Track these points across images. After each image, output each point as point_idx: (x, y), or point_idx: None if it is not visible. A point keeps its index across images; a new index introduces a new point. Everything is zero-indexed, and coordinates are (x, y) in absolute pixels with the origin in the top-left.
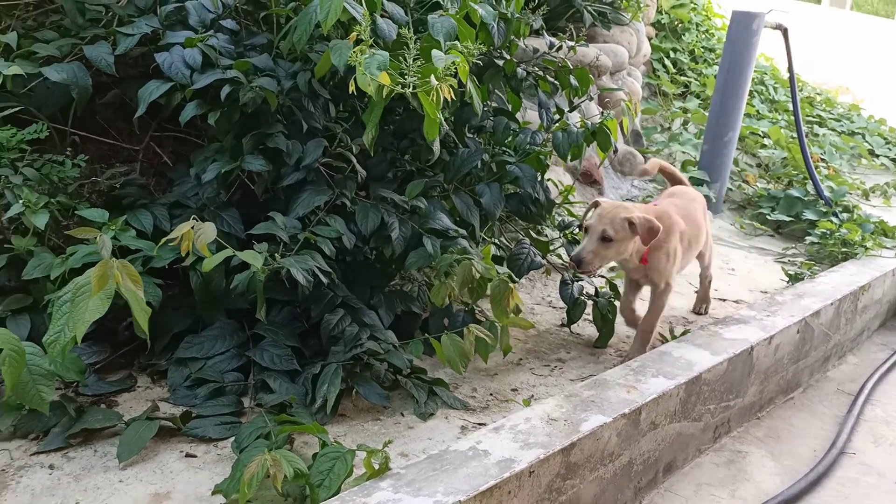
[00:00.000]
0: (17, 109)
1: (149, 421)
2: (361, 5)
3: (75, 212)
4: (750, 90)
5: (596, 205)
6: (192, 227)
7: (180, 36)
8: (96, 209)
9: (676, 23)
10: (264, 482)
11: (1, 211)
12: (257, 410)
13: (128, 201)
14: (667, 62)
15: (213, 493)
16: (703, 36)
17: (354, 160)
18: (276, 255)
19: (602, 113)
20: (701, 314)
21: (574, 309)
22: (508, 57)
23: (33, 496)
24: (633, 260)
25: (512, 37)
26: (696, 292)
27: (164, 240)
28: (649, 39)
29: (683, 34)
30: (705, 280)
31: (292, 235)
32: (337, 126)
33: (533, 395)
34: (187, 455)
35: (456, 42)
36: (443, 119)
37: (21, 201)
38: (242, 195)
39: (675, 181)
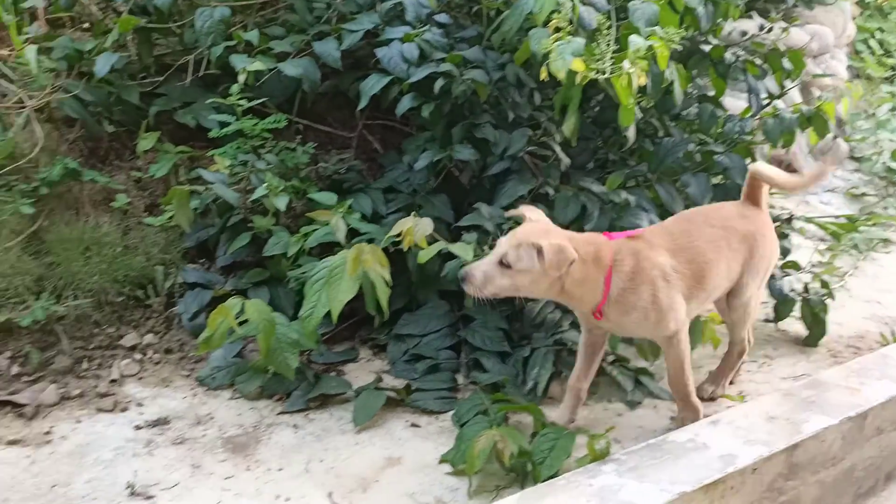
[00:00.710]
0: (259, 102)
1: (377, 391)
2: None
3: (306, 195)
4: None
5: (522, 218)
6: (413, 224)
7: (399, 31)
8: (326, 193)
9: (882, 0)
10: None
11: (244, 193)
12: (471, 388)
13: (347, 185)
14: (872, 43)
15: (440, 462)
16: None
17: (558, 149)
18: (485, 245)
19: (817, 98)
20: (704, 399)
21: (783, 305)
22: (715, 41)
23: (283, 451)
24: (575, 307)
25: (718, 19)
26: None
27: (387, 236)
28: (853, 19)
29: (891, 13)
30: (733, 347)
31: (498, 224)
32: (541, 115)
33: (742, 391)
34: (412, 425)
35: (656, 28)
36: (644, 107)
37: (265, 185)
38: (446, 180)
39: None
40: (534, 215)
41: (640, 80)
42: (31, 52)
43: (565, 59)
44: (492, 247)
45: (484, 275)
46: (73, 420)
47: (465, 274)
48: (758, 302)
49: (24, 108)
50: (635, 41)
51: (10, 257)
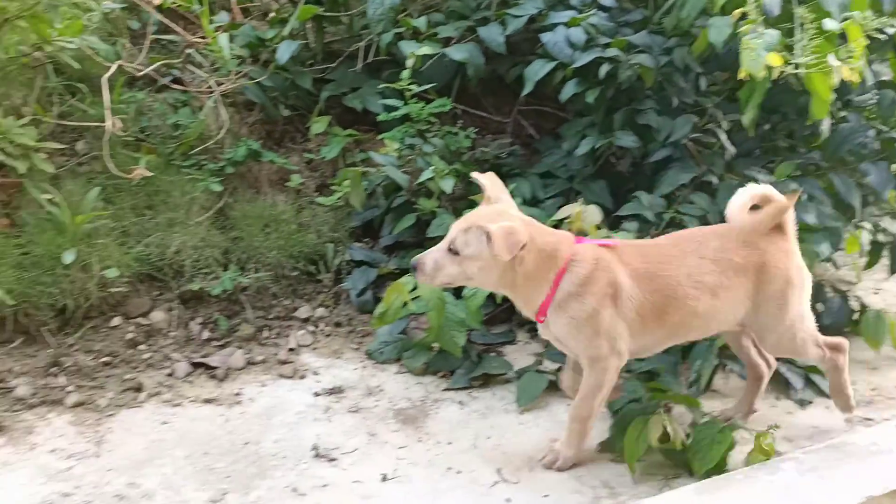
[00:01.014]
0: (427, 87)
1: (538, 374)
2: None
3: (467, 178)
4: None
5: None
6: (581, 210)
7: (564, 16)
8: None
9: None
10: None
11: (410, 175)
12: (624, 375)
13: (506, 170)
14: None
15: (601, 451)
16: None
17: (724, 136)
18: (646, 236)
19: None
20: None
21: None
22: None
23: (450, 426)
24: (521, 305)
25: None
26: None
27: (551, 219)
28: None
29: None
30: (823, 366)
31: (657, 213)
32: (707, 101)
33: None
34: None
35: (854, 14)
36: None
37: (432, 167)
38: (604, 166)
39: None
40: (488, 182)
41: (853, 76)
42: (223, 40)
43: (759, 55)
44: (652, 236)
45: (434, 262)
46: (259, 384)
47: (416, 262)
48: (795, 335)
49: (212, 92)
50: (829, 23)
51: (200, 231)
